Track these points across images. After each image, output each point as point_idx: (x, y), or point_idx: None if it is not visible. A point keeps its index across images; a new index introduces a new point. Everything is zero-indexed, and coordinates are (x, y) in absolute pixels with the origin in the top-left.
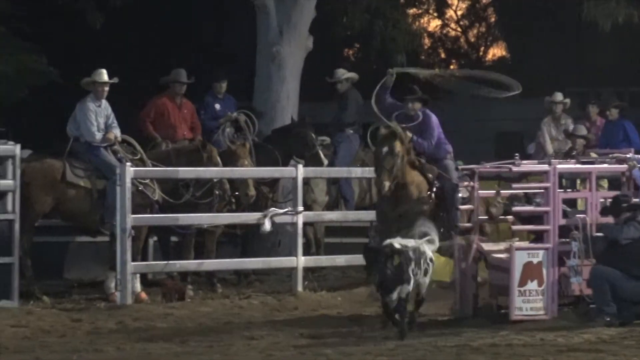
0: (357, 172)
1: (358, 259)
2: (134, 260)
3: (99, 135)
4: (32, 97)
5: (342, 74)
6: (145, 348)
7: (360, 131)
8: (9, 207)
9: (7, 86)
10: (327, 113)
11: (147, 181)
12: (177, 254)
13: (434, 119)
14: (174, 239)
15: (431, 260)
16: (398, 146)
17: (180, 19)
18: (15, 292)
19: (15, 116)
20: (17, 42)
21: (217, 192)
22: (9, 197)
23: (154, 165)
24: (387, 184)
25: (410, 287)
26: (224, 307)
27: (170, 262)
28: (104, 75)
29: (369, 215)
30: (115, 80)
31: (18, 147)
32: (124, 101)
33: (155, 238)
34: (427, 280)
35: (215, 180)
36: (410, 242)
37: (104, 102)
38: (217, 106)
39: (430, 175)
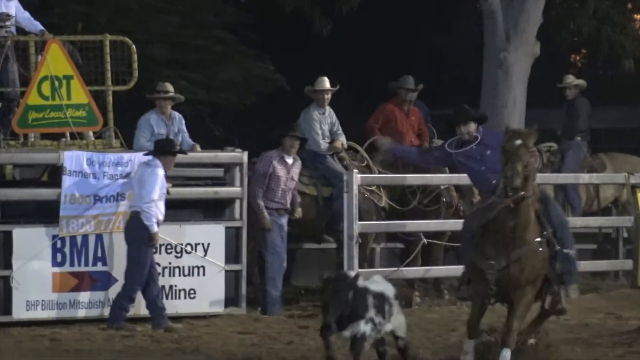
0: (585, 178)
1: (585, 265)
2: (360, 267)
3: (324, 144)
4: (259, 104)
5: (572, 80)
6: (373, 354)
7: (588, 138)
8: (237, 214)
9: (235, 93)
10: (552, 119)
11: (374, 188)
12: (403, 260)
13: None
14: (400, 245)
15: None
16: (532, 144)
17: (407, 25)
18: (243, 299)
19: (243, 123)
20: (244, 49)
21: (444, 200)
22: (237, 204)
23: (380, 172)
24: (519, 179)
25: (369, 328)
26: (452, 314)
27: (397, 268)
28: (325, 83)
29: (597, 221)
30: (336, 87)
31: (245, 154)
32: (351, 107)
33: (382, 245)
34: (401, 319)
35: (442, 187)
36: (378, 284)
37: (328, 109)
38: None
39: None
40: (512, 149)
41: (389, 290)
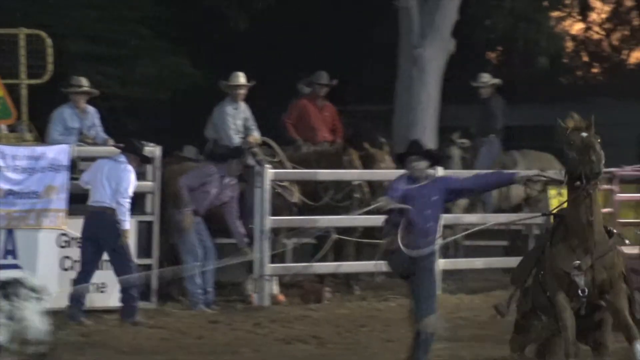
0: None
1: (497, 262)
2: (272, 262)
3: (236, 139)
4: (174, 99)
5: (487, 79)
6: (282, 350)
7: (502, 135)
8: (148, 208)
9: (150, 88)
10: (467, 116)
11: (286, 183)
12: (314, 256)
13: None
14: (311, 241)
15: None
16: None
17: (324, 21)
18: (153, 293)
19: (158, 117)
20: (160, 44)
21: (356, 196)
22: (149, 198)
23: (293, 168)
24: (602, 164)
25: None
26: (362, 309)
27: (308, 264)
28: (240, 78)
29: (509, 217)
30: (251, 83)
31: (158, 149)
32: (267, 103)
33: (294, 240)
34: (33, 318)
35: (354, 183)
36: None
37: (242, 105)
38: None
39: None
40: (584, 140)
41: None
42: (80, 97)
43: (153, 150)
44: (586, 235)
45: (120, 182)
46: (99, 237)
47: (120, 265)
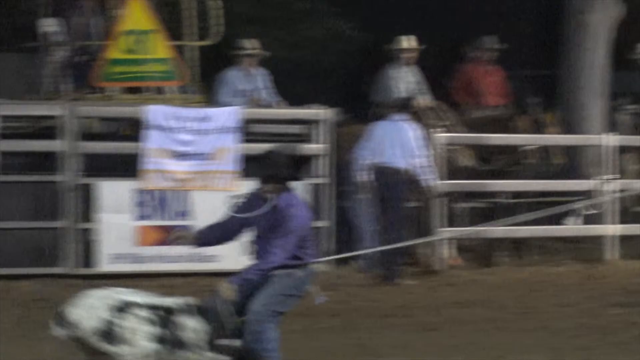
0: None
1: None
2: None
3: None
4: (343, 62)
5: None
6: (456, 313)
7: None
8: (320, 171)
9: (317, 51)
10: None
11: (458, 147)
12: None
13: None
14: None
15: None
16: None
17: None
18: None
19: (326, 81)
20: (326, 6)
21: (529, 161)
22: (320, 161)
23: (464, 132)
24: None
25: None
26: (534, 274)
27: (482, 227)
28: (406, 42)
29: None
30: (422, 46)
31: (329, 112)
32: (436, 67)
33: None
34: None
35: (527, 148)
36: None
37: (413, 68)
38: None
39: None
40: None
41: None
42: (249, 60)
43: (323, 112)
44: None
45: (411, 143)
46: (386, 196)
47: (396, 227)
